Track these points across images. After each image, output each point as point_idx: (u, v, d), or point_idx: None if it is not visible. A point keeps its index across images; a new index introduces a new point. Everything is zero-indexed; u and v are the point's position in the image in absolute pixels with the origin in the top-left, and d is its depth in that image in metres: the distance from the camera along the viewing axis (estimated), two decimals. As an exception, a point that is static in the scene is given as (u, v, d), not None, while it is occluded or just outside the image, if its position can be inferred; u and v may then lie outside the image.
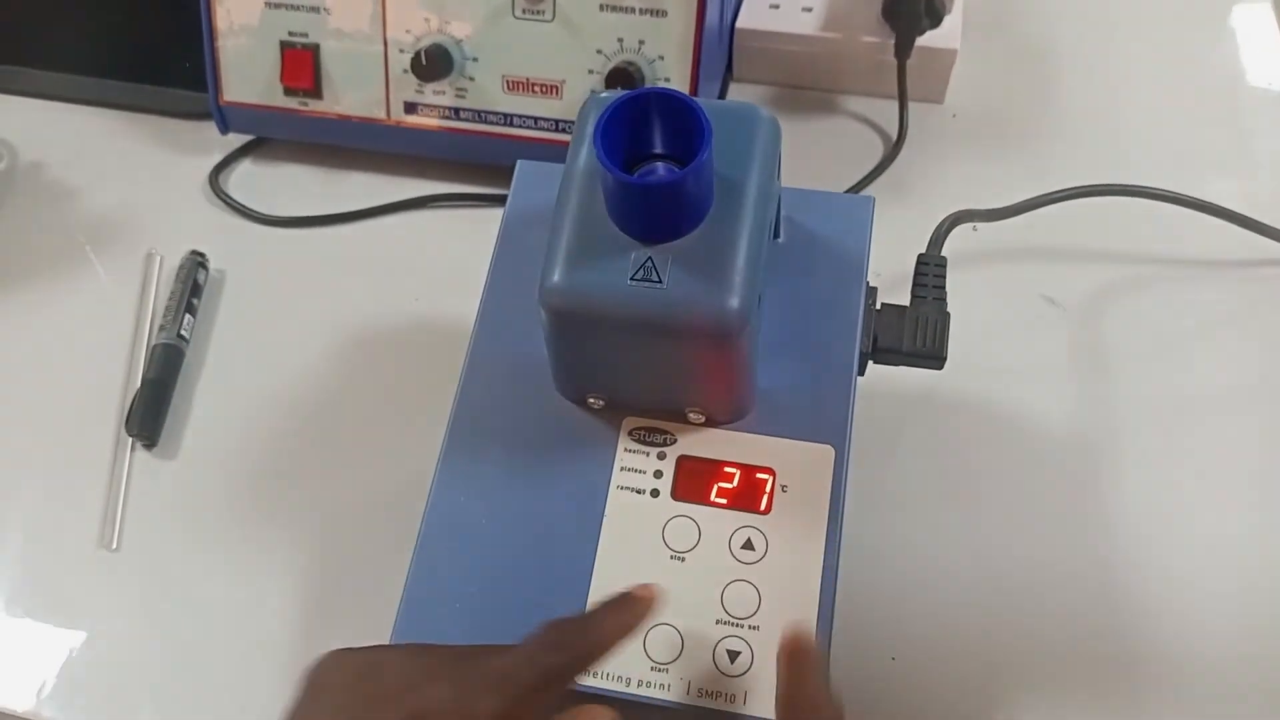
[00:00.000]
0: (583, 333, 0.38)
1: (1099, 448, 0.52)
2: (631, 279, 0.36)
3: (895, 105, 0.64)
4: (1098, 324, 0.56)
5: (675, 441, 0.42)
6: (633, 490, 0.41)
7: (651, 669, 0.39)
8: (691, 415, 0.42)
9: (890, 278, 0.51)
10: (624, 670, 0.39)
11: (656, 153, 0.36)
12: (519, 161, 0.47)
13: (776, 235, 0.45)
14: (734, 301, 0.36)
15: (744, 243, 0.36)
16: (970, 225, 0.54)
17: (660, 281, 0.36)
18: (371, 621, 0.41)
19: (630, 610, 0.37)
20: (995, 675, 0.46)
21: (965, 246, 0.57)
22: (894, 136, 0.64)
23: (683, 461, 0.42)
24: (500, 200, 0.49)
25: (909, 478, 0.51)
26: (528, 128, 0.60)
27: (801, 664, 0.36)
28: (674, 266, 0.36)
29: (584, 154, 0.38)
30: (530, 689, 0.33)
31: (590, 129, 0.37)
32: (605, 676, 0.39)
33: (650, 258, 0.36)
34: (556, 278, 0.36)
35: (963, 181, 0.61)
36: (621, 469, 0.42)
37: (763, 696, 0.38)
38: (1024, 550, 0.49)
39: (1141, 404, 0.53)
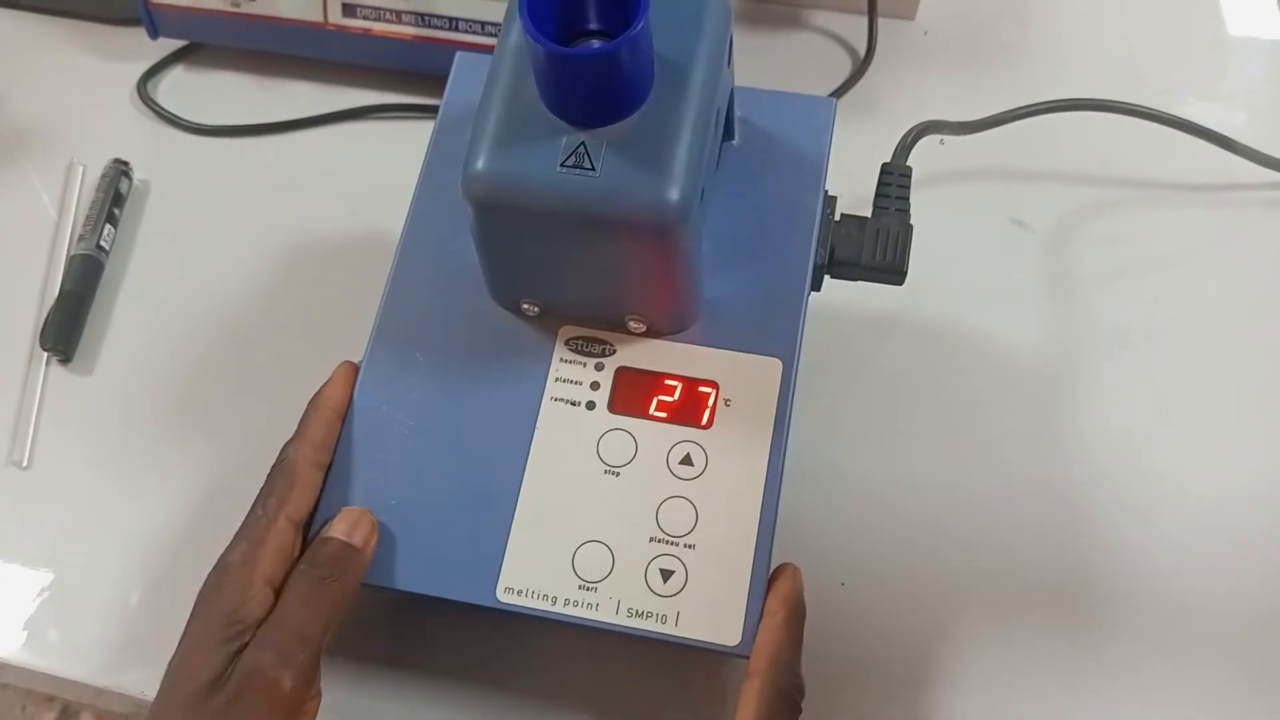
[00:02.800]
0: (510, 227, 0.35)
1: (1066, 375, 0.50)
2: (562, 166, 0.33)
3: (864, 21, 0.61)
4: (1068, 248, 0.53)
5: (614, 352, 0.39)
6: (567, 402, 0.39)
7: (579, 587, 0.36)
8: (632, 324, 0.39)
9: (854, 200, 0.48)
10: (549, 589, 0.36)
11: (592, 29, 0.33)
12: (458, 53, 0.44)
13: (730, 136, 0.42)
14: (673, 193, 0.33)
15: (686, 129, 0.33)
16: (938, 138, 0.51)
17: (593, 169, 0.33)
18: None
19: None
20: (951, 604, 0.44)
21: (933, 166, 0.55)
22: (862, 53, 0.61)
23: (621, 373, 0.39)
24: (442, 109, 0.46)
25: (867, 402, 0.49)
26: (474, 33, 0.56)
27: (797, 617, 0.36)
28: (609, 153, 0.33)
29: (515, 31, 0.35)
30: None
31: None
32: (528, 594, 0.36)
33: (583, 143, 0.33)
34: (480, 164, 0.33)
35: (933, 101, 0.58)
36: (556, 379, 0.39)
37: (695, 618, 0.36)
38: (983, 477, 0.47)
39: (1111, 331, 0.51)
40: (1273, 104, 0.59)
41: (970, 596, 0.44)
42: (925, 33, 0.62)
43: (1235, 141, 0.53)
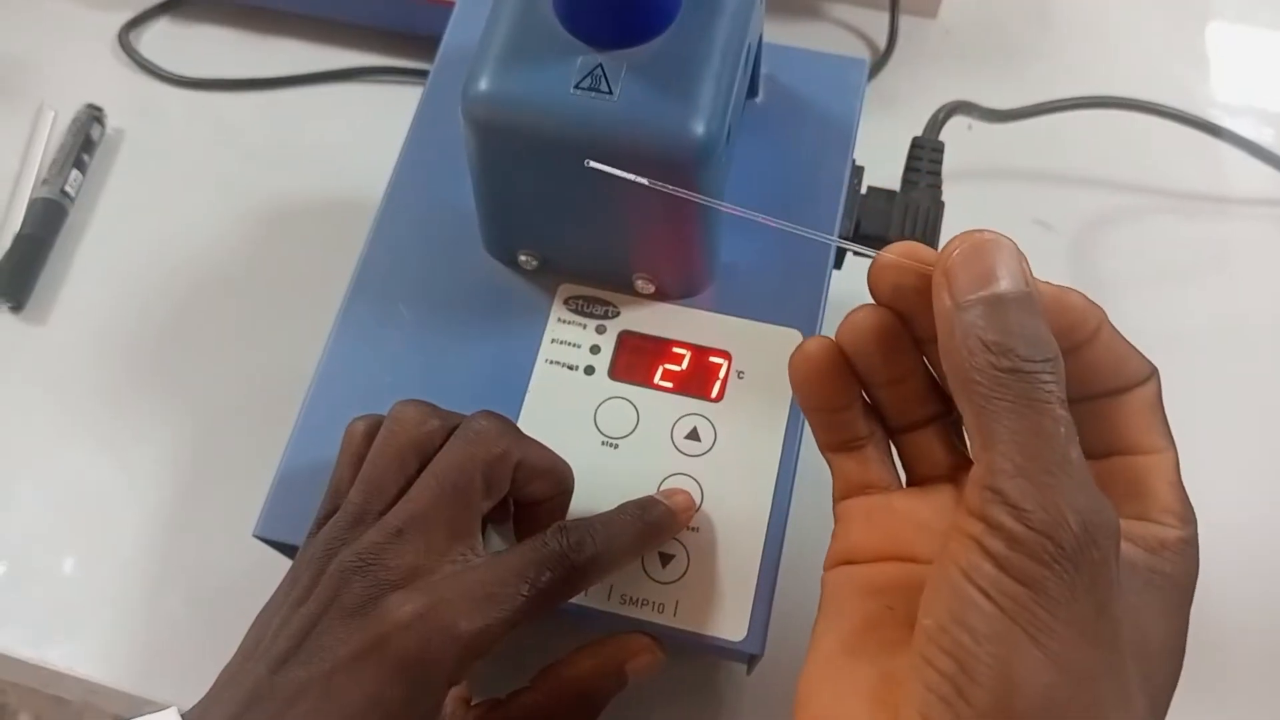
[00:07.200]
0: (513, 157, 0.32)
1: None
2: (575, 87, 0.30)
3: (885, 16, 0.58)
4: (1092, 253, 0.51)
5: (618, 314, 0.36)
6: (564, 365, 0.35)
7: (569, 568, 0.32)
8: (639, 283, 0.35)
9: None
10: (536, 566, 0.32)
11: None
12: (462, -8, 0.41)
13: (754, 93, 0.39)
14: (697, 125, 0.30)
15: (715, 59, 0.30)
16: (966, 123, 0.48)
17: (610, 93, 0.30)
18: (252, 514, 0.35)
19: (658, 522, 0.31)
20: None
21: (956, 161, 0.51)
22: (882, 48, 0.58)
23: (625, 337, 0.36)
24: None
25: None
26: (480, -5, 0.53)
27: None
28: (629, 77, 0.30)
29: (531, -54, 0.32)
30: (518, 610, 0.27)
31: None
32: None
33: (601, 64, 0.30)
34: (484, 83, 0.30)
35: (952, 100, 0.56)
36: (552, 340, 0.35)
37: (696, 607, 0.32)
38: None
39: (1132, 340, 0.48)
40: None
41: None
42: (947, 31, 0.60)
43: (1268, 150, 0.51)
